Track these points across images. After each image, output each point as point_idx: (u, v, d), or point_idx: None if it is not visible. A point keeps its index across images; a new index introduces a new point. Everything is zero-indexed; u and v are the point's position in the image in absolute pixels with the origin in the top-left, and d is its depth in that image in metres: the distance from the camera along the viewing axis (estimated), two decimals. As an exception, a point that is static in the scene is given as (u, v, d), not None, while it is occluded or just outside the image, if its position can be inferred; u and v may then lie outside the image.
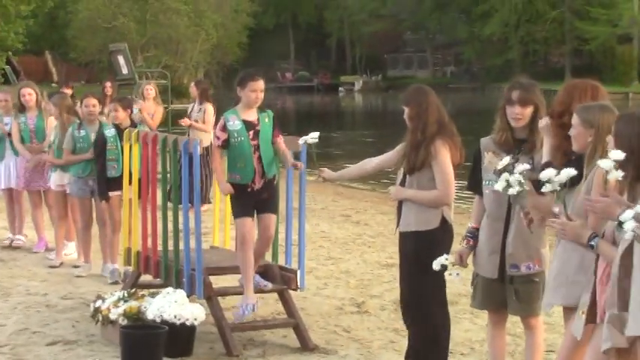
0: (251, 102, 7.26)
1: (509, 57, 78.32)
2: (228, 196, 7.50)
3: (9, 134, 11.10)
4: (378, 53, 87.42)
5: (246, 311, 7.31)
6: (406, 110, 6.55)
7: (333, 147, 31.93)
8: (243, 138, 7.21)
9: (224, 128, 7.25)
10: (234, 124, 7.24)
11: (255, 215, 7.43)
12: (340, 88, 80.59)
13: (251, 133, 7.25)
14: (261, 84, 7.29)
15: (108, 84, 16.35)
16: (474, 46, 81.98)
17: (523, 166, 5.09)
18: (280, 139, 7.40)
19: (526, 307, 6.04)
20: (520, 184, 5.03)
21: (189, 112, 14.67)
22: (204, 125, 14.19)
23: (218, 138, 7.28)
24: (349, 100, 73.07)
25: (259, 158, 7.26)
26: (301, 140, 7.26)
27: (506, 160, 5.44)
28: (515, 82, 6.09)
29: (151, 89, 15.12)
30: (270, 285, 7.66)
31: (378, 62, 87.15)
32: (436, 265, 6.07)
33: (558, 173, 4.71)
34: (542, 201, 5.38)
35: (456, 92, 70.00)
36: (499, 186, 5.10)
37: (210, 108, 14.42)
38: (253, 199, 7.31)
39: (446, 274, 6.10)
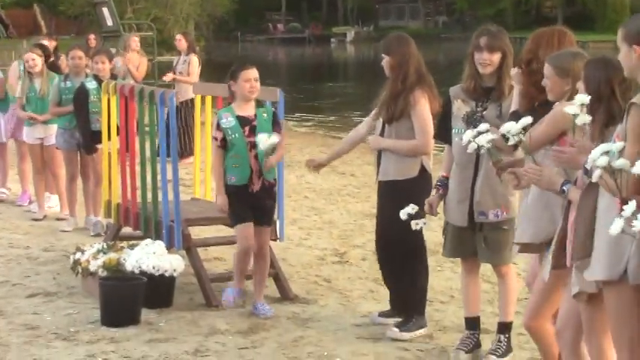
0: (246, 93, 6.82)
1: (501, 7, 78.04)
2: (209, 148, 7.47)
3: None
4: (370, 4, 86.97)
5: (230, 297, 7.17)
6: (386, 59, 6.57)
7: (325, 99, 31.92)
8: (237, 135, 6.80)
9: (218, 126, 6.84)
10: (228, 121, 6.83)
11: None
12: (332, 39, 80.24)
13: (246, 129, 6.83)
14: (254, 72, 6.84)
15: (92, 36, 16.28)
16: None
17: (489, 136, 5.01)
18: (280, 135, 6.93)
19: (495, 254, 6.08)
20: (489, 150, 5.01)
21: (174, 64, 14.61)
22: (188, 77, 14.14)
23: (215, 139, 6.88)
24: (341, 52, 72.77)
25: (256, 156, 6.82)
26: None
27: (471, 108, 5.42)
28: (484, 29, 6.12)
29: (134, 41, 15.04)
30: (272, 311, 7.07)
31: (370, 13, 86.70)
32: (403, 214, 6.09)
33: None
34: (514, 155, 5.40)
35: (448, 42, 69.76)
36: (470, 148, 5.06)
37: (195, 59, 14.37)
38: (252, 203, 6.90)
39: (412, 223, 6.10)
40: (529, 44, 5.46)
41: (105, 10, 23.79)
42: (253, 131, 6.80)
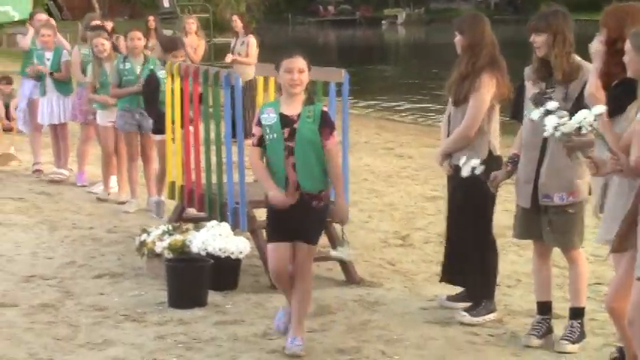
0: (287, 86, 5.74)
1: (555, -12, 77.08)
2: None
3: (50, 73, 11.09)
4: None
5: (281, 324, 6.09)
6: (459, 37, 6.49)
7: (377, 81, 31.75)
8: (275, 135, 5.75)
9: (258, 122, 5.83)
10: (270, 117, 5.78)
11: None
12: (383, 22, 79.77)
13: (286, 131, 5.73)
14: (298, 62, 5.70)
15: (151, 18, 16.28)
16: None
17: (562, 121, 4.96)
18: (332, 145, 5.78)
19: (560, 237, 5.99)
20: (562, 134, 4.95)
21: (232, 46, 14.60)
22: (247, 59, 14.13)
23: (253, 135, 5.87)
24: (392, 34, 72.36)
25: (293, 166, 5.75)
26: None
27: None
28: (539, 11, 6.03)
29: (192, 23, 15.05)
30: (301, 348, 5.92)
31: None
32: (465, 171, 6.14)
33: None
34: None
35: (501, 24, 69.02)
36: (547, 132, 5.02)
37: (253, 40, 14.35)
38: (288, 216, 5.80)
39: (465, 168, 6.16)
40: (611, 22, 5.32)
41: (162, -8, 23.90)
42: (293, 135, 5.73)
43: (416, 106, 22.35)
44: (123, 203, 10.09)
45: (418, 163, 13.04)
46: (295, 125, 5.74)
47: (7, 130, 14.29)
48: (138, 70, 9.82)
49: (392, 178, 11.95)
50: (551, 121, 5.03)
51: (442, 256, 6.88)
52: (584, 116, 4.71)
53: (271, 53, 14.15)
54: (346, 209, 5.99)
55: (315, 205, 5.80)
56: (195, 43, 14.80)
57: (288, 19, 79.29)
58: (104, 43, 10.25)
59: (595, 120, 4.69)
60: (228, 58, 14.37)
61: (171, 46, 9.55)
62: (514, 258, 8.04)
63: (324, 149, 5.74)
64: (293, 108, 5.78)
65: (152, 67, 9.79)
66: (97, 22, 11.13)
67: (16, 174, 11.93)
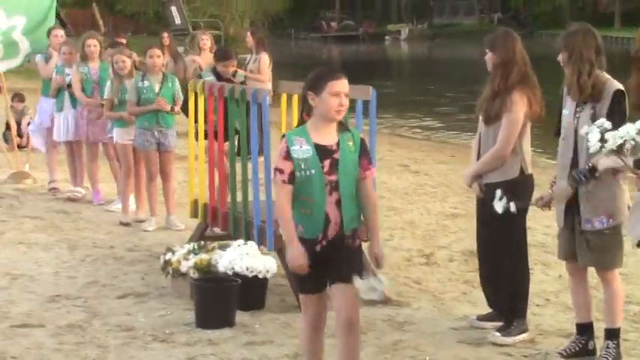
0: (332, 113, 4.97)
1: (557, 3, 77.25)
2: None
3: (68, 86, 11.06)
4: (424, 1, 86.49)
5: None
6: (489, 55, 6.43)
7: (384, 97, 31.65)
8: (314, 171, 4.96)
9: (287, 155, 4.98)
10: (302, 149, 4.97)
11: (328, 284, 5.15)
12: (386, 37, 79.88)
13: (326, 163, 4.97)
14: (345, 84, 5.00)
15: (165, 34, 16.23)
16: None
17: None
18: (371, 176, 5.14)
19: (595, 257, 5.91)
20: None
21: (246, 62, 14.56)
22: (259, 75, 14.10)
23: (280, 171, 4.98)
24: (395, 49, 72.42)
25: (338, 202, 5.00)
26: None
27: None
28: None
29: (207, 39, 15.04)
30: None
31: (424, 10, 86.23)
32: (498, 207, 6.11)
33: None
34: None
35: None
36: (594, 149, 4.97)
37: (265, 57, 14.33)
38: (322, 263, 5.03)
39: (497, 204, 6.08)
40: None
41: (173, 9, 23.89)
42: (335, 167, 4.98)
43: (424, 122, 22.33)
44: (142, 221, 10.02)
45: (435, 180, 12.99)
46: (336, 155, 4.99)
47: (21, 147, 14.23)
48: (157, 88, 9.77)
49: (409, 195, 11.89)
50: (594, 137, 4.96)
51: (468, 275, 6.84)
52: (627, 130, 4.65)
53: (275, 69, 14.19)
54: (382, 248, 5.28)
55: (352, 243, 5.07)
56: (209, 60, 14.73)
57: (291, 34, 79.43)
58: (125, 60, 10.19)
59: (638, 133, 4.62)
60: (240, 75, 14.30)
61: (223, 55, 9.57)
62: (541, 277, 7.98)
63: (361, 181, 5.05)
64: (328, 136, 5.02)
65: (170, 83, 9.76)
66: (121, 40, 11.09)
67: (32, 192, 11.88)
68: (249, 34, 15.13)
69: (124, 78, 10.19)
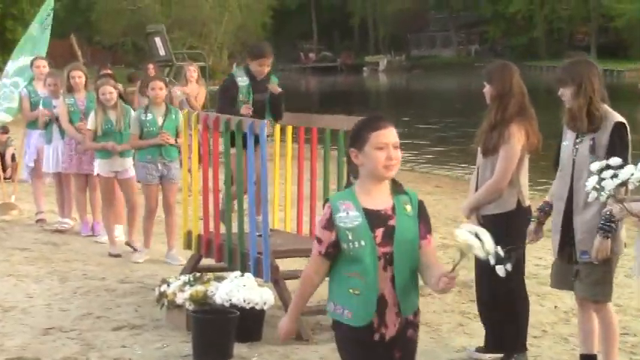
0: (380, 169, 4.10)
1: (534, 35, 78.00)
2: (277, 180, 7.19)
3: (57, 118, 11.03)
4: (401, 33, 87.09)
5: None
6: (487, 87, 6.43)
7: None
8: (364, 242, 4.08)
9: (329, 224, 4.14)
10: (350, 216, 4.11)
11: None
12: (364, 68, 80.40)
13: (379, 232, 4.10)
14: (392, 133, 4.14)
15: (151, 66, 16.26)
16: (498, 25, 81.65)
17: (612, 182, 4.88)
18: (433, 247, 4.24)
19: (588, 288, 5.92)
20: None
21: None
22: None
23: (319, 241, 4.17)
24: (373, 80, 72.81)
25: (392, 279, 4.13)
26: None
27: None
28: (563, 62, 6.04)
29: (194, 70, 15.05)
30: None
31: (402, 42, 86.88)
32: (500, 271, 5.32)
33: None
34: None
35: (481, 71, 69.57)
36: (591, 196, 4.95)
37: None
38: (381, 357, 4.16)
39: (497, 269, 5.26)
40: None
41: (157, 40, 23.90)
42: (391, 237, 4.11)
43: (405, 153, 22.39)
44: (134, 249, 9.98)
45: (422, 211, 12.96)
46: (391, 222, 4.12)
47: (7, 178, 14.16)
48: (160, 121, 9.63)
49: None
50: (591, 182, 4.94)
51: (463, 306, 6.81)
52: (631, 172, 4.66)
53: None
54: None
55: (412, 334, 4.22)
56: (195, 91, 14.78)
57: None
58: (112, 92, 10.10)
59: None
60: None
61: (258, 52, 8.32)
62: (537, 308, 7.97)
63: (421, 252, 4.16)
64: (380, 199, 4.15)
65: (174, 116, 9.66)
66: (107, 71, 11.08)
67: (19, 224, 11.81)
68: (235, 66, 15.16)
69: (109, 109, 10.11)
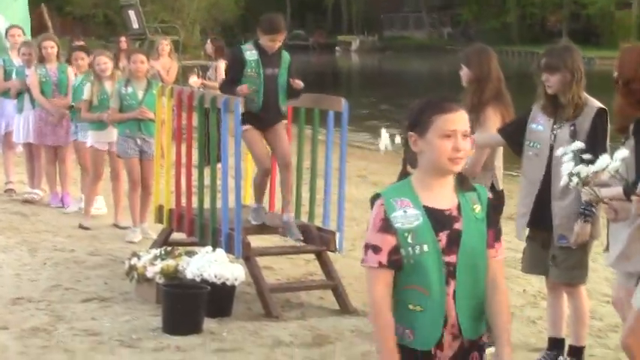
0: (443, 161, 3.44)
1: (507, 20, 78.15)
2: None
3: (28, 90, 10.95)
4: (374, 13, 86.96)
5: None
6: (465, 71, 6.44)
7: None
8: (426, 247, 3.43)
9: (386, 225, 3.45)
10: (408, 214, 3.44)
11: None
12: (337, 48, 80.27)
13: (443, 236, 3.46)
14: (462, 118, 3.47)
15: (123, 39, 16.13)
16: (471, 8, 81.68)
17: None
18: (497, 256, 3.56)
19: (564, 273, 5.97)
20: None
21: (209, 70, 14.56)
22: (216, 83, 14.05)
23: (375, 249, 3.45)
24: (346, 60, 72.73)
25: (454, 295, 3.46)
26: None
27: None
28: (549, 48, 6.04)
29: (166, 44, 14.96)
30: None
31: (374, 22, 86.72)
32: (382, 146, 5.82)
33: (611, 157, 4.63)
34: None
35: (453, 54, 69.75)
36: (563, 180, 4.92)
37: (222, 65, 14.23)
38: None
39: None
40: (627, 61, 5.35)
41: (131, 13, 23.74)
42: (456, 243, 3.47)
43: (377, 133, 22.38)
44: (123, 228, 9.86)
45: (393, 192, 13.00)
46: (457, 226, 3.47)
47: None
48: (140, 95, 9.44)
49: (369, 206, 11.88)
50: (566, 168, 4.95)
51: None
52: (607, 162, 4.68)
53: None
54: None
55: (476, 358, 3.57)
56: (167, 65, 14.70)
57: (242, 42, 79.34)
58: (107, 62, 9.93)
59: (621, 164, 4.64)
60: (195, 82, 14.23)
61: (269, 27, 7.57)
62: (505, 290, 8.03)
63: (489, 262, 3.52)
64: (443, 196, 3.50)
65: (155, 90, 9.47)
66: (80, 43, 10.99)
67: (-12, 193, 11.73)
68: (209, 41, 15.09)
69: (105, 80, 9.96)
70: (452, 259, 3.43)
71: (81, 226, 9.94)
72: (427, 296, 3.41)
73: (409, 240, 3.41)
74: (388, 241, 3.41)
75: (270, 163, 7.67)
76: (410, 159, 3.55)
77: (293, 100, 7.73)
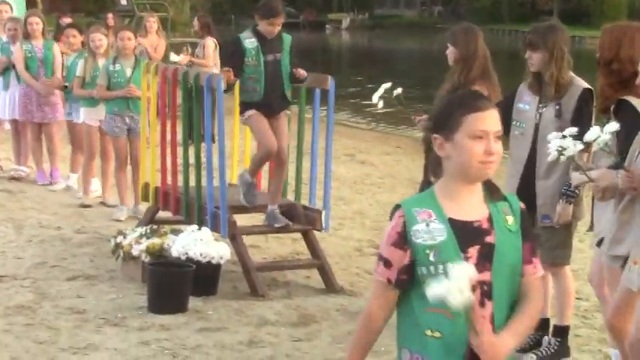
0: (474, 167, 3.06)
1: (497, -2, 78.00)
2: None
3: (14, 66, 10.88)
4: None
5: None
6: (451, 49, 6.41)
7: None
8: (451, 261, 3.01)
9: (402, 239, 3.11)
10: (431, 229, 3.09)
11: None
12: (327, 26, 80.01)
13: (472, 251, 3.07)
14: (494, 118, 3.11)
15: (110, 15, 16.03)
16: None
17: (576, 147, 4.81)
18: (536, 272, 3.19)
19: (547, 252, 5.94)
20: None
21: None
22: (204, 60, 14.00)
23: (386, 263, 3.13)
24: (336, 38, 72.52)
25: (492, 319, 3.06)
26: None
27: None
28: (534, 25, 6.03)
29: (154, 22, 14.88)
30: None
31: (365, 1, 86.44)
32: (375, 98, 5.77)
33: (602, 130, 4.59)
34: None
35: (443, 33, 69.57)
36: (552, 156, 4.87)
37: (210, 42, 14.21)
38: None
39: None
40: (608, 42, 5.32)
41: (120, -11, 23.62)
42: (489, 258, 3.07)
43: (366, 112, 22.35)
44: (111, 206, 9.77)
45: (381, 171, 13.02)
46: (489, 239, 3.10)
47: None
48: (128, 72, 9.32)
49: (357, 185, 11.91)
50: (554, 144, 4.91)
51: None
52: (597, 134, 4.65)
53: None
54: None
55: None
56: (155, 42, 14.62)
57: (231, 20, 79.07)
58: (101, 39, 9.79)
59: (610, 138, 4.63)
60: (183, 59, 14.14)
61: (267, 12, 7.46)
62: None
63: (523, 280, 3.15)
64: (471, 206, 3.13)
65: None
66: (68, 20, 10.91)
67: (-26, 170, 11.67)
68: (196, 19, 15.03)
69: (99, 57, 9.81)
70: (485, 276, 3.03)
71: (83, 205, 9.84)
72: (451, 321, 3.00)
73: (431, 258, 3.04)
74: (399, 258, 3.09)
75: (276, 148, 7.46)
76: (433, 166, 3.18)
77: (298, 85, 7.67)
